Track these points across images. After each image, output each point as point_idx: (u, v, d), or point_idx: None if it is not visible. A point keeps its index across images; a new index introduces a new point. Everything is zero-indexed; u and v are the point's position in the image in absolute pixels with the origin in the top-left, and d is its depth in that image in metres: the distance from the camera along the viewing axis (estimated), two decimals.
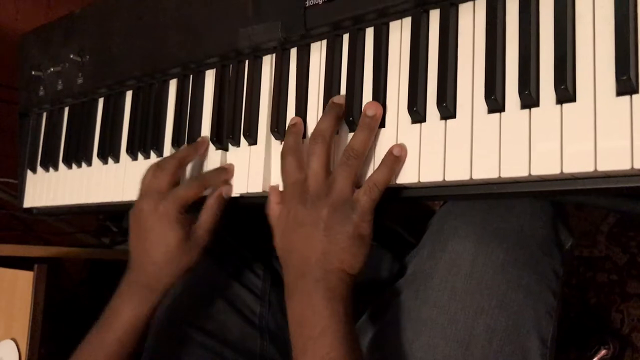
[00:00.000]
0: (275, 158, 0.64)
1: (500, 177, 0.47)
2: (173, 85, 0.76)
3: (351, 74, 0.58)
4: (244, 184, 0.65)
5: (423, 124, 0.53)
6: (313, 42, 0.63)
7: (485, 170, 0.48)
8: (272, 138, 0.64)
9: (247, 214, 0.81)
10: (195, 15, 0.72)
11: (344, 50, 0.60)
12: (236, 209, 0.68)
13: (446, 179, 0.50)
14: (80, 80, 0.85)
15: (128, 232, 0.66)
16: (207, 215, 0.64)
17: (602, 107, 0.43)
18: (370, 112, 0.54)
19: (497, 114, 0.48)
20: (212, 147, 0.70)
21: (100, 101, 0.86)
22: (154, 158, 0.76)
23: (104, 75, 0.82)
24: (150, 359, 0.71)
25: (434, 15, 0.54)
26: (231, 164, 0.67)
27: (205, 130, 0.71)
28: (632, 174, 0.42)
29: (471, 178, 0.49)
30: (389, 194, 0.54)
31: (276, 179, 0.63)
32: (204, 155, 0.69)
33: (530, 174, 0.46)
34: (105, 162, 0.82)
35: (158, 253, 0.62)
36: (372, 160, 0.55)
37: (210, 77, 0.72)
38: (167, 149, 0.75)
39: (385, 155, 0.53)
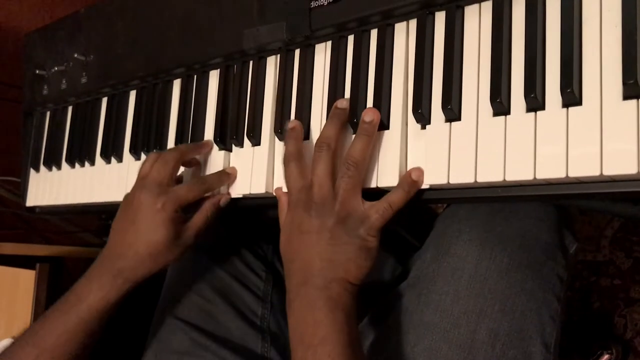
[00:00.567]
0: (279, 159, 0.64)
1: (505, 180, 0.47)
2: (177, 85, 0.76)
3: (356, 75, 0.58)
4: (246, 184, 0.65)
5: (428, 126, 0.53)
6: (318, 43, 0.63)
7: (490, 173, 0.48)
8: (276, 139, 0.64)
9: (249, 215, 0.81)
10: (200, 15, 0.71)
11: (349, 52, 0.60)
12: (238, 210, 0.68)
13: (450, 181, 0.50)
14: (84, 80, 0.85)
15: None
16: (199, 219, 0.64)
17: (609, 111, 0.43)
18: (368, 118, 0.54)
19: (503, 117, 0.48)
20: (215, 147, 0.69)
21: (104, 101, 0.86)
22: None
23: (108, 74, 0.82)
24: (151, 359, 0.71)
25: (440, 18, 0.54)
26: (234, 167, 0.67)
27: (209, 130, 0.71)
28: (638, 179, 0.42)
29: (476, 181, 0.48)
30: None
31: (279, 180, 0.63)
32: (207, 156, 0.69)
33: (535, 178, 0.45)
34: (108, 161, 0.82)
35: (143, 246, 0.62)
36: (376, 162, 0.55)
37: (214, 77, 0.72)
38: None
39: (403, 177, 0.53)
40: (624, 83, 0.42)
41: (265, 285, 0.77)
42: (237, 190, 0.66)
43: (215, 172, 0.67)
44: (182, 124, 0.73)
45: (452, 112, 0.51)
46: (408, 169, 0.53)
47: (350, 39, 0.60)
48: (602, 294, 1.05)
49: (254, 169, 0.65)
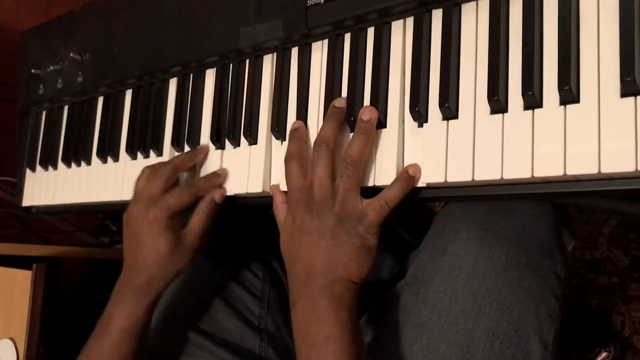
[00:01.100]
0: (276, 158, 0.64)
1: (502, 178, 0.47)
2: (173, 84, 0.76)
3: (353, 73, 0.58)
4: (243, 184, 0.65)
5: (425, 124, 0.53)
6: (314, 41, 0.62)
7: (487, 171, 0.48)
8: (273, 138, 0.64)
9: (246, 215, 0.81)
10: (196, 14, 0.71)
11: (346, 50, 0.60)
12: (235, 210, 0.68)
13: (448, 180, 0.50)
14: (80, 79, 0.85)
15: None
16: (197, 220, 0.64)
17: (606, 109, 0.43)
18: (365, 117, 0.54)
19: (500, 115, 0.48)
20: (212, 147, 0.69)
21: (100, 100, 0.85)
22: (153, 157, 0.76)
23: (104, 74, 0.82)
24: None
25: (437, 15, 0.54)
26: (225, 169, 0.67)
27: (205, 129, 0.71)
28: (636, 176, 0.42)
29: (473, 179, 0.48)
30: None
31: (276, 179, 0.63)
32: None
33: (533, 176, 0.45)
34: (104, 161, 0.82)
35: (150, 259, 0.62)
36: (374, 161, 0.55)
37: (210, 76, 0.72)
38: (167, 149, 0.75)
39: (400, 173, 0.53)
40: (622, 80, 0.42)
41: (262, 284, 0.77)
42: (234, 189, 0.66)
43: (205, 175, 0.68)
44: (179, 123, 0.73)
45: (450, 110, 0.50)
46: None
47: (347, 37, 0.60)
48: (600, 291, 1.05)
49: (251, 168, 0.65)
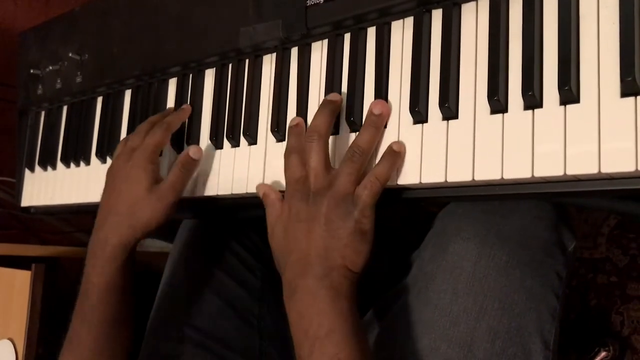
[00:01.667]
0: (276, 158, 0.63)
1: (502, 178, 0.47)
2: (172, 84, 0.76)
3: (352, 73, 0.58)
4: (243, 184, 0.65)
5: (425, 124, 0.53)
6: (314, 41, 0.62)
7: (487, 171, 0.48)
8: (273, 138, 0.64)
9: (245, 214, 0.81)
10: (195, 14, 0.71)
11: (345, 50, 0.60)
12: (234, 209, 0.68)
13: (448, 180, 0.50)
14: (79, 79, 0.85)
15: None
16: (173, 173, 0.65)
17: (607, 109, 0.43)
18: (376, 111, 0.54)
19: (500, 115, 0.48)
20: (211, 146, 0.69)
21: (99, 100, 0.85)
22: None
23: (103, 74, 0.82)
24: (148, 359, 0.70)
25: (437, 15, 0.54)
26: (189, 105, 0.71)
27: (205, 129, 0.71)
28: (636, 176, 0.42)
29: (473, 179, 0.48)
30: (390, 195, 0.54)
31: (276, 180, 0.63)
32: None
33: (533, 176, 0.45)
34: (103, 161, 0.82)
35: (122, 203, 0.63)
36: (374, 161, 0.55)
37: (210, 76, 0.72)
38: (166, 149, 0.74)
39: (385, 151, 0.53)
40: (622, 80, 0.42)
41: (262, 284, 0.77)
42: (235, 190, 0.66)
43: (174, 112, 0.71)
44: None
45: (450, 110, 0.50)
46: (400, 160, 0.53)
47: (347, 37, 0.60)
48: (599, 291, 1.05)
49: (251, 168, 0.65)
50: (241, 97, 0.67)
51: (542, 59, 0.47)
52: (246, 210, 0.72)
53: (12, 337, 0.95)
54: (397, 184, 0.53)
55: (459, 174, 0.49)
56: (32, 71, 0.91)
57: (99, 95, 0.85)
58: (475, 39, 0.51)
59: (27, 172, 0.95)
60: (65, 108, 0.91)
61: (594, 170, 0.42)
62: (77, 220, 1.33)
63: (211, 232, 0.78)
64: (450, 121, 0.51)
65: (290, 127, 0.59)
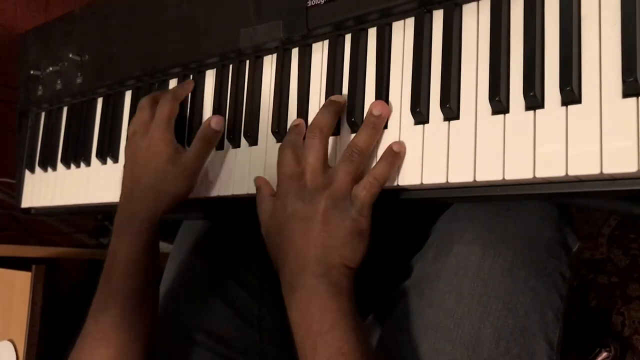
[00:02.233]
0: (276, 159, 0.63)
1: (504, 179, 0.47)
2: (173, 84, 0.76)
3: (353, 74, 0.58)
4: (244, 185, 0.65)
5: (426, 125, 0.52)
6: (315, 42, 0.62)
7: (489, 172, 0.48)
8: (274, 139, 0.64)
9: (244, 214, 0.81)
10: (196, 14, 0.71)
11: (346, 51, 0.60)
12: (234, 209, 0.68)
13: (449, 180, 0.50)
14: (79, 80, 0.85)
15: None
16: (195, 143, 0.65)
17: (608, 109, 0.43)
18: (376, 112, 0.53)
19: (502, 116, 0.48)
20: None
21: (100, 101, 0.85)
22: None
23: (104, 75, 0.82)
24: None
25: (438, 16, 0.54)
26: (190, 80, 0.72)
27: None
28: (638, 177, 0.42)
29: (475, 180, 0.48)
30: (391, 196, 0.54)
31: (275, 180, 0.63)
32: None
33: (534, 176, 0.45)
34: (104, 162, 0.82)
35: (145, 176, 0.63)
36: (373, 160, 0.54)
37: (210, 77, 0.72)
38: None
39: (385, 151, 0.53)
40: (624, 81, 0.42)
41: (260, 283, 0.77)
42: (236, 190, 0.66)
43: (179, 85, 0.72)
44: (179, 123, 0.73)
45: (451, 111, 0.50)
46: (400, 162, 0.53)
47: (348, 37, 0.60)
48: (600, 291, 1.05)
49: (252, 168, 0.65)
50: (242, 98, 0.67)
51: (543, 60, 0.47)
52: (246, 211, 0.72)
53: (12, 338, 0.95)
54: (398, 185, 0.53)
55: (461, 175, 0.49)
56: (32, 72, 0.91)
57: (99, 96, 0.85)
58: (477, 40, 0.51)
59: (27, 173, 0.95)
60: (65, 109, 0.90)
61: (596, 171, 0.42)
62: (77, 221, 1.33)
63: (211, 233, 0.78)
64: (451, 122, 0.51)
65: (290, 127, 0.59)
